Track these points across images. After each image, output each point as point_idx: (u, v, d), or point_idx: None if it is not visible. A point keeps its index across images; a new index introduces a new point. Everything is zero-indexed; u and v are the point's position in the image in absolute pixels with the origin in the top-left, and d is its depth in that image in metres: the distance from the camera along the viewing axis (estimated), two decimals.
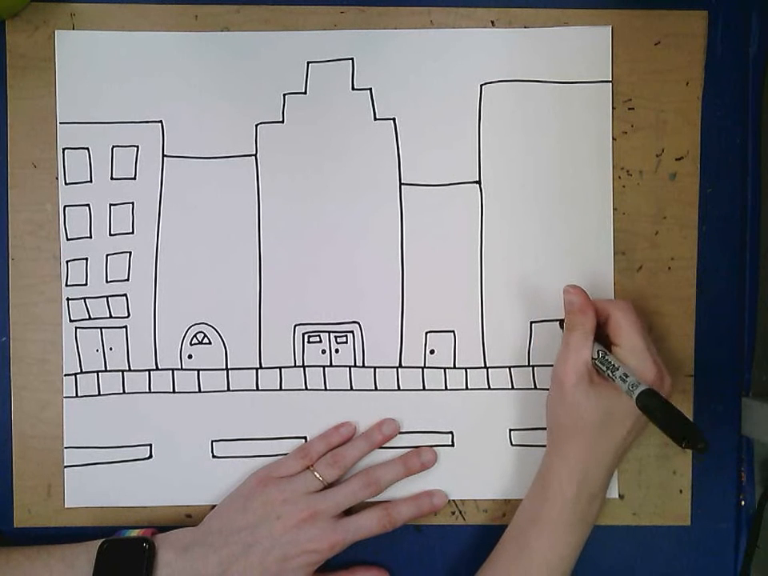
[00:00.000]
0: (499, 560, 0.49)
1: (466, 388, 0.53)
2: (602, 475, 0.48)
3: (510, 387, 0.53)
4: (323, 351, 0.53)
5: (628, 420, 0.47)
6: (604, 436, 0.47)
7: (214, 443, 0.53)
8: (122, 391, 0.53)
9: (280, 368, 0.53)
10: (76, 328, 0.53)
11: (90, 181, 0.53)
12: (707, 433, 0.53)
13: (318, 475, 0.50)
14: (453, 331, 0.53)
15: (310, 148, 0.53)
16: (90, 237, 0.53)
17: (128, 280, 0.53)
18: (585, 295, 0.48)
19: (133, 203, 0.53)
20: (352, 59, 0.53)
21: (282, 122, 0.53)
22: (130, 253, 0.53)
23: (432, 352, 0.53)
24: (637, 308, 0.53)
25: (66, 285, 0.53)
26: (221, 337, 0.53)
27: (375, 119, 0.53)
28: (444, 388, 0.53)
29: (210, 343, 0.53)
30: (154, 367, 0.53)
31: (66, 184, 0.53)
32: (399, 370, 0.53)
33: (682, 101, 0.53)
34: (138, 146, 0.53)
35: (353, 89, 0.53)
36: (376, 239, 0.53)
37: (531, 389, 0.53)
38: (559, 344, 0.53)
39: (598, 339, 0.48)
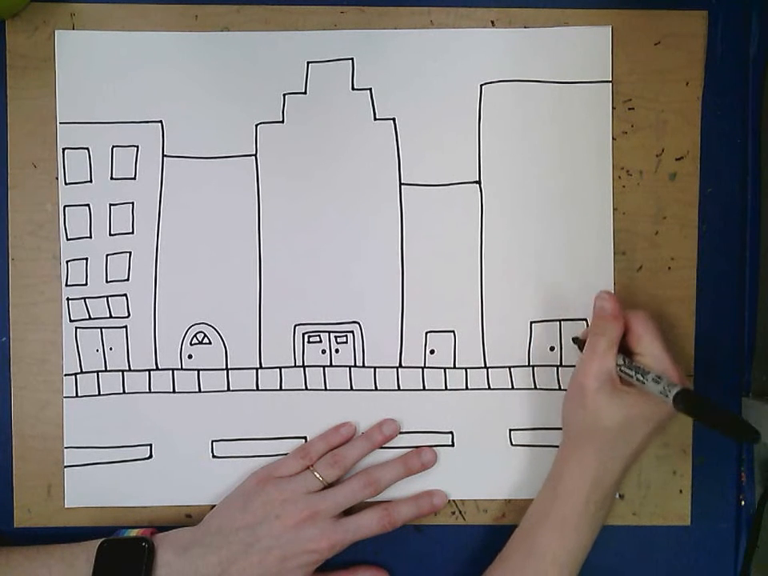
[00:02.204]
0: (510, 557, 0.49)
1: (466, 388, 0.53)
2: (616, 478, 0.48)
3: (510, 387, 0.53)
4: (323, 351, 0.53)
5: (647, 426, 0.47)
6: (621, 441, 0.47)
7: (214, 443, 0.53)
8: (122, 391, 0.53)
9: (280, 368, 0.53)
10: (76, 328, 0.53)
11: (90, 181, 0.53)
12: (707, 433, 0.53)
13: (318, 475, 0.50)
14: (453, 331, 0.53)
15: (309, 148, 0.53)
16: (90, 237, 0.53)
17: (128, 280, 0.53)
18: (617, 302, 0.48)
19: (133, 203, 0.53)
20: (352, 59, 0.53)
21: (282, 122, 0.53)
22: (130, 253, 0.53)
23: (432, 352, 0.53)
24: (637, 308, 0.53)
25: (66, 285, 0.53)
26: (221, 337, 0.53)
27: (375, 119, 0.53)
28: (444, 388, 0.53)
29: (210, 343, 0.53)
30: (154, 367, 0.53)
31: (66, 184, 0.53)
32: (399, 369, 0.53)
33: (682, 101, 0.53)
34: (137, 146, 0.53)
35: (353, 89, 0.53)
36: (376, 239, 0.53)
37: (531, 389, 0.53)
38: (560, 344, 0.53)
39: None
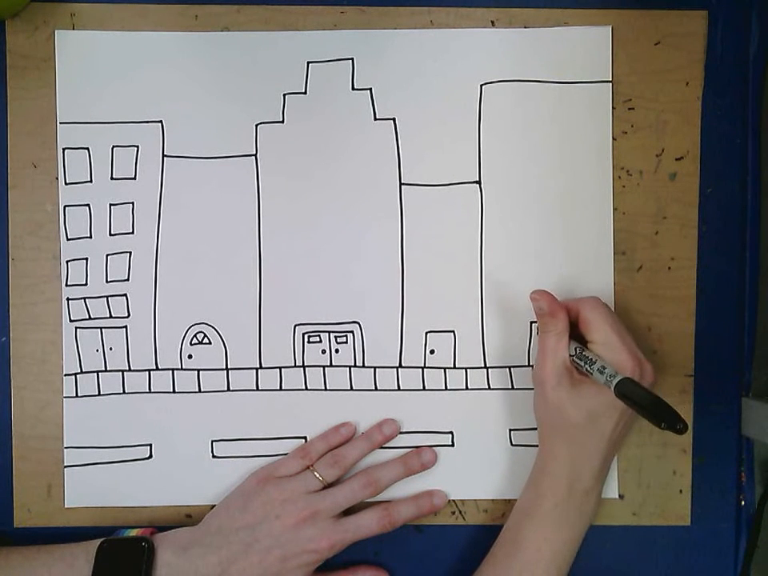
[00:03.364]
0: (496, 556, 0.50)
1: (466, 388, 0.53)
2: (595, 470, 0.48)
3: (510, 387, 0.53)
4: (323, 351, 0.53)
5: (613, 413, 0.47)
6: (591, 432, 0.47)
7: (214, 443, 0.53)
8: (122, 391, 0.53)
9: (280, 368, 0.53)
10: (76, 328, 0.53)
11: (90, 181, 0.53)
12: (707, 433, 0.53)
13: (317, 475, 0.50)
14: (453, 331, 0.53)
15: (310, 148, 0.53)
16: (90, 237, 0.53)
17: (128, 280, 0.53)
18: (552, 299, 0.49)
19: (133, 203, 0.53)
20: (352, 59, 0.53)
21: (282, 122, 0.53)
22: (130, 253, 0.53)
23: (432, 352, 0.53)
24: (637, 308, 0.53)
25: (66, 285, 0.53)
26: (221, 337, 0.53)
27: (375, 119, 0.53)
28: (444, 388, 0.53)
29: (210, 343, 0.53)
30: (154, 367, 0.53)
31: (66, 184, 0.53)
32: (399, 369, 0.53)
33: (682, 101, 0.53)
34: (137, 146, 0.53)
35: (353, 89, 0.53)
36: (376, 239, 0.53)
37: (531, 389, 0.53)
38: None
39: (574, 338, 0.49)
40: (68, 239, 0.53)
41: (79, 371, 0.53)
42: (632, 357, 0.47)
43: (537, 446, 0.52)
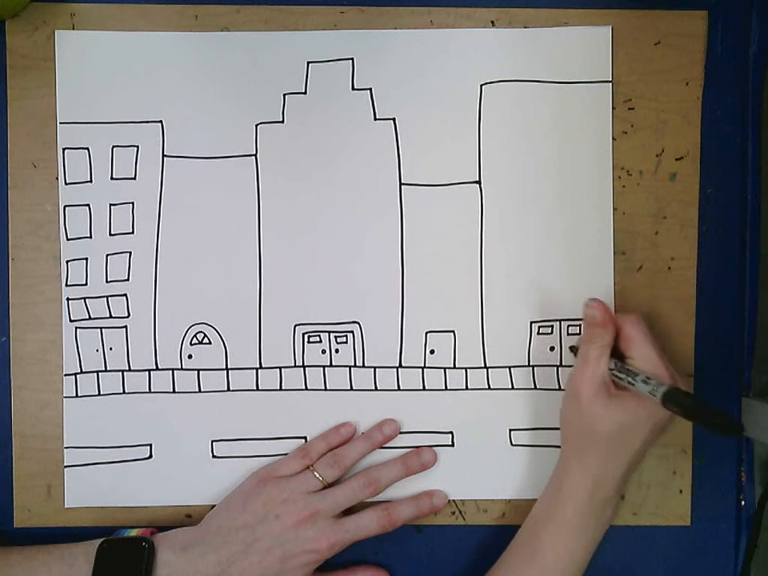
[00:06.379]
0: (511, 561, 0.50)
1: (466, 388, 0.53)
2: (617, 482, 0.48)
3: (510, 387, 0.53)
4: (323, 351, 0.53)
5: (644, 429, 0.47)
6: (621, 446, 0.47)
7: (214, 443, 0.53)
8: (122, 391, 0.53)
9: (280, 368, 0.53)
10: (76, 328, 0.53)
11: (90, 181, 0.53)
12: (707, 433, 0.53)
13: (317, 475, 0.50)
14: (453, 331, 0.53)
15: (310, 148, 0.53)
16: (90, 237, 0.53)
17: (128, 280, 0.53)
18: (606, 309, 0.48)
19: (133, 203, 0.53)
20: (352, 59, 0.53)
21: (282, 122, 0.53)
22: (130, 253, 0.53)
23: (432, 352, 0.53)
24: (637, 308, 0.53)
25: (66, 285, 0.53)
26: (221, 337, 0.53)
27: (375, 119, 0.53)
28: (444, 388, 0.53)
29: (210, 343, 0.53)
30: (154, 367, 0.53)
31: (66, 184, 0.53)
32: (399, 369, 0.53)
33: (682, 101, 0.53)
34: (137, 146, 0.53)
35: (353, 89, 0.53)
36: (376, 239, 0.53)
37: (531, 389, 0.53)
38: (560, 344, 0.53)
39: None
40: (68, 239, 0.53)
41: (79, 371, 0.53)
42: (669, 373, 0.47)
43: (537, 445, 0.52)
